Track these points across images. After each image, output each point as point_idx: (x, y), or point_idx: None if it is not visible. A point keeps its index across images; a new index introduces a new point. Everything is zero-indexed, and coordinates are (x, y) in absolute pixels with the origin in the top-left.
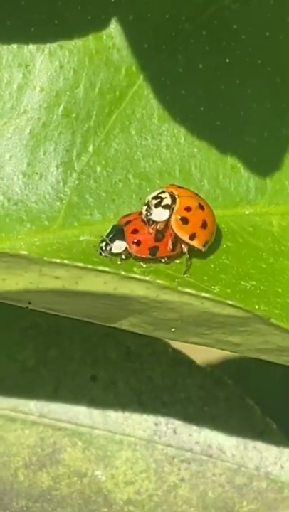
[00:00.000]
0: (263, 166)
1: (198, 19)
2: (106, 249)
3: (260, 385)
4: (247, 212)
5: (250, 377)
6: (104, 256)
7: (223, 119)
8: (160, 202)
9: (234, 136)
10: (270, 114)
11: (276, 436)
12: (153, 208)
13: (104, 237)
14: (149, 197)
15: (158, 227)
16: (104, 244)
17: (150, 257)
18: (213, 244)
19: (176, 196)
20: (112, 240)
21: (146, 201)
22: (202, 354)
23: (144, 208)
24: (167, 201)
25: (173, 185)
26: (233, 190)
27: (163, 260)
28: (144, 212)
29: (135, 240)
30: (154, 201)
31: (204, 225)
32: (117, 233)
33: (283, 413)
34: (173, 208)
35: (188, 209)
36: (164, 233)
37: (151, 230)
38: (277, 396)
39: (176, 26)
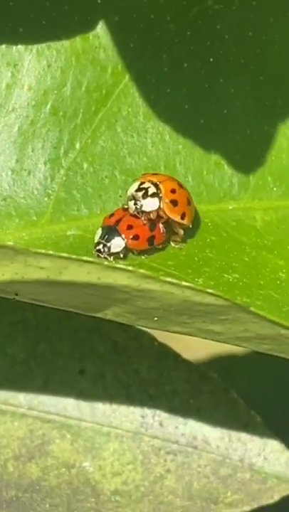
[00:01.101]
0: (246, 162)
1: (182, 20)
2: (104, 250)
3: (245, 382)
4: (230, 208)
5: (235, 374)
6: (104, 257)
7: (207, 117)
8: (146, 192)
9: (218, 133)
10: (253, 112)
11: (260, 429)
12: (141, 199)
13: (99, 239)
14: (132, 191)
15: (151, 216)
16: (101, 246)
17: (149, 247)
18: (198, 237)
19: (158, 183)
20: (108, 240)
21: (131, 196)
22: (189, 353)
23: (131, 202)
24: (152, 190)
25: (146, 174)
26: (217, 186)
27: (160, 247)
28: (132, 206)
29: (132, 236)
30: (140, 193)
31: (189, 202)
32: (111, 233)
33: (267, 408)
34: (160, 194)
35: (173, 191)
36: (155, 221)
37: (144, 222)
38: (261, 391)
39: (161, 26)
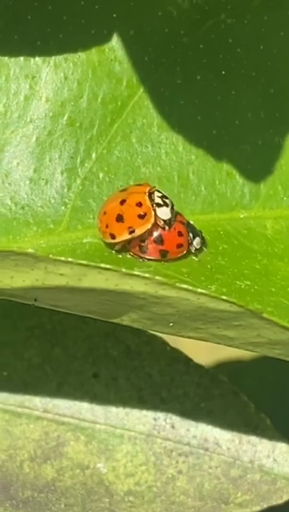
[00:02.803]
0: (257, 172)
1: (195, 33)
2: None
3: (252, 386)
4: (242, 216)
5: (243, 378)
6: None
7: (220, 128)
8: (156, 203)
9: (230, 144)
10: (264, 123)
11: (269, 431)
12: (159, 211)
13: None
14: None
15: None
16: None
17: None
18: (210, 245)
19: (151, 188)
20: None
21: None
22: (200, 357)
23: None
24: (158, 200)
25: (130, 186)
26: (228, 195)
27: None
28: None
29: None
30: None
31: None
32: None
33: (275, 411)
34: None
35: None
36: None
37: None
38: (268, 395)
39: (175, 40)
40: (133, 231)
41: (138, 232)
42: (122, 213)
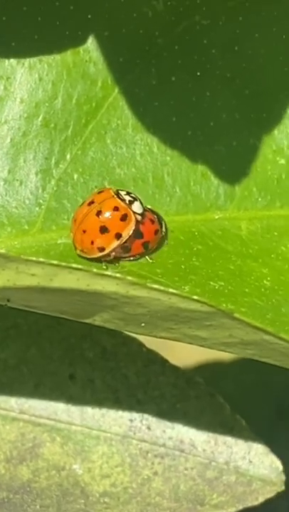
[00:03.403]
0: (232, 173)
1: (170, 34)
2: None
3: (230, 388)
4: (217, 217)
5: (221, 380)
6: None
7: (194, 129)
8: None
9: (205, 145)
10: (239, 124)
11: (245, 432)
12: (134, 207)
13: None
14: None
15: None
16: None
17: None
18: (184, 246)
19: (114, 189)
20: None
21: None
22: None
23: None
24: (127, 197)
25: (95, 196)
26: (203, 196)
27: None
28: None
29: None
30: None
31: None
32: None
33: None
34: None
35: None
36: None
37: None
38: (246, 397)
39: (150, 41)
40: (120, 236)
41: (125, 234)
42: (103, 223)
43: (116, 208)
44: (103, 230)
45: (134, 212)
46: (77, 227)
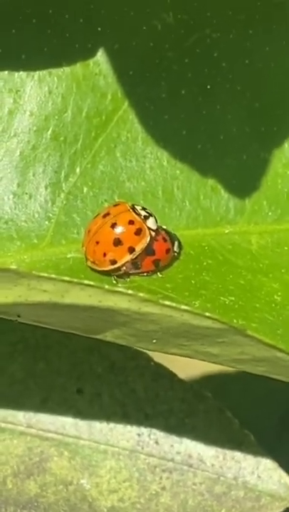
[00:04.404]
0: (242, 187)
1: (180, 47)
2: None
3: (237, 400)
4: (227, 231)
5: (227, 393)
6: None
7: (204, 143)
8: (143, 216)
9: (215, 158)
10: (249, 138)
11: (253, 448)
12: (148, 223)
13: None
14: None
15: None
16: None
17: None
18: (194, 260)
19: (130, 203)
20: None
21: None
22: (184, 371)
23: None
24: (142, 212)
25: (110, 209)
26: (213, 210)
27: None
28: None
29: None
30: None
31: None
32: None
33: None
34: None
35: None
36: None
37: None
38: (254, 409)
39: (160, 54)
40: (133, 250)
41: (138, 249)
42: (118, 236)
43: (131, 222)
44: (117, 242)
45: (148, 228)
46: (91, 238)
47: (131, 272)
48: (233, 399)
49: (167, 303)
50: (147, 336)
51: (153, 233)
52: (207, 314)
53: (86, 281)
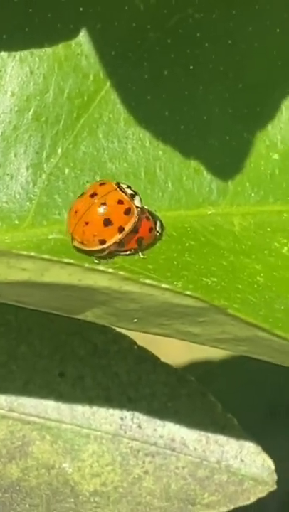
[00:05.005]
0: (225, 168)
1: (163, 28)
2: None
3: (222, 386)
4: (209, 213)
5: (213, 379)
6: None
7: (187, 123)
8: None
9: (197, 139)
10: (232, 118)
11: (236, 431)
12: (135, 201)
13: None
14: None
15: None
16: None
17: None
18: (177, 242)
19: (116, 183)
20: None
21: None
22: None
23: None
24: (129, 191)
25: (96, 188)
26: (196, 192)
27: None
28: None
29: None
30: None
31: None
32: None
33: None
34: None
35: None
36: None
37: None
38: (237, 395)
39: (142, 35)
40: (123, 229)
41: (127, 228)
42: (108, 216)
43: (120, 201)
44: (107, 222)
45: (136, 207)
46: (79, 218)
47: (116, 249)
48: (219, 387)
49: (148, 281)
50: (128, 315)
51: (139, 211)
52: (188, 293)
53: (66, 260)
